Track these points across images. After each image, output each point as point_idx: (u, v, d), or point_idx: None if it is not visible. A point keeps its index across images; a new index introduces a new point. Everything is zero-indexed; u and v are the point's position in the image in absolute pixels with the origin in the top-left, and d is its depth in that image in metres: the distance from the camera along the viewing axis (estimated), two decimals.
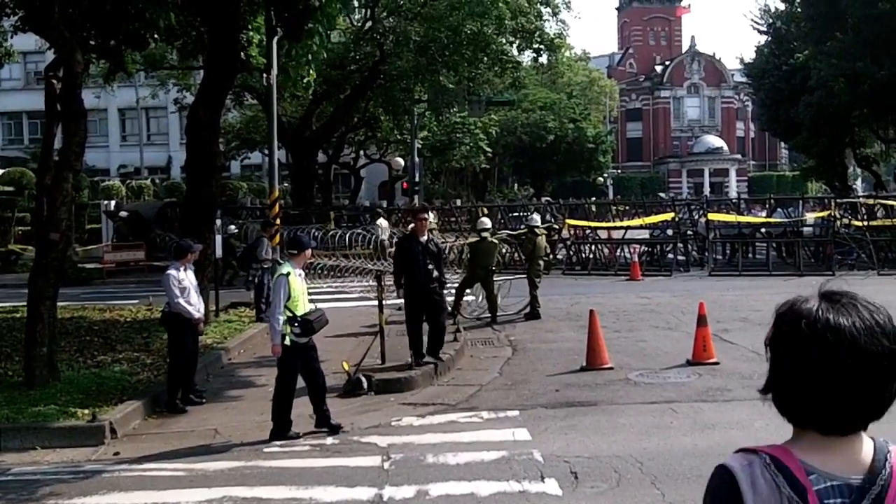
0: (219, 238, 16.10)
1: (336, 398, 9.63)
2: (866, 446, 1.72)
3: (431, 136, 43.92)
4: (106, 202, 34.88)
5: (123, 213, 31.84)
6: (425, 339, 11.27)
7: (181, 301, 9.62)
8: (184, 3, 14.04)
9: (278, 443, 8.31)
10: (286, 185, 38.34)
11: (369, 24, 28.90)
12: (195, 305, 9.80)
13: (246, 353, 13.19)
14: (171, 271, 9.80)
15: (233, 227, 25.18)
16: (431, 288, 11.04)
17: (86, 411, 8.87)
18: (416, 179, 34.27)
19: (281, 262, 10.09)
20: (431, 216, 18.72)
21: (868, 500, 1.66)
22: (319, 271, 22.16)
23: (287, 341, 8.33)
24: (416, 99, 32.02)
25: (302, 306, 8.43)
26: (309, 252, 9.19)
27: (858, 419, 1.70)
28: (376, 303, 11.44)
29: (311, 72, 14.23)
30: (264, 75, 17.85)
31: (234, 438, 8.54)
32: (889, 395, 1.69)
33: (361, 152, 45.17)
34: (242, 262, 16.62)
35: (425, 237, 11.28)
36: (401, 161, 38.64)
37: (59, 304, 11.24)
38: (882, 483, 1.67)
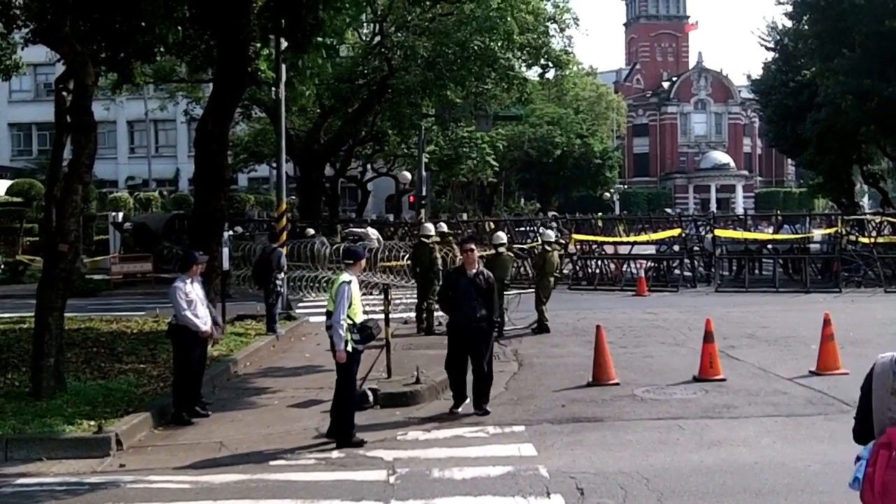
0: (226, 251, 16.11)
1: None
2: None
3: (438, 150, 43.97)
4: (114, 214, 35.00)
5: (128, 225, 31.92)
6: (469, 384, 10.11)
7: (188, 313, 9.64)
8: (193, 17, 14.14)
9: (284, 456, 8.31)
10: (293, 197, 38.43)
11: (378, 38, 29.03)
12: (202, 318, 9.81)
13: (252, 365, 13.20)
14: (178, 283, 9.81)
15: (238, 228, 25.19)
16: (476, 327, 9.79)
17: (92, 422, 8.88)
18: (423, 193, 34.25)
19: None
20: (438, 228, 18.71)
21: None
22: (324, 284, 22.22)
23: (349, 347, 8.59)
24: (423, 113, 32.09)
25: (360, 314, 8.76)
26: (364, 262, 9.70)
27: None
28: (382, 316, 11.45)
29: (311, 86, 14.32)
30: (273, 89, 17.98)
31: (240, 451, 8.54)
32: None
33: (369, 166, 45.28)
34: (258, 275, 16.54)
35: (474, 270, 10.00)
36: (408, 175, 38.65)
37: (67, 315, 11.27)
38: None
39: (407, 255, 20.56)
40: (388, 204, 53.50)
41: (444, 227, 19.70)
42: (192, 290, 9.80)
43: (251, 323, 16.53)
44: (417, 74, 27.26)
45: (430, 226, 17.98)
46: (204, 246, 13.33)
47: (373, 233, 24.56)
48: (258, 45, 14.89)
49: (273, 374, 12.54)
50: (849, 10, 32.02)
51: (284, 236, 18.92)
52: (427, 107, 31.15)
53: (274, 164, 32.23)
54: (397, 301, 18.19)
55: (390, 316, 11.63)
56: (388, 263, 22.36)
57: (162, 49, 15.14)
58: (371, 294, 19.52)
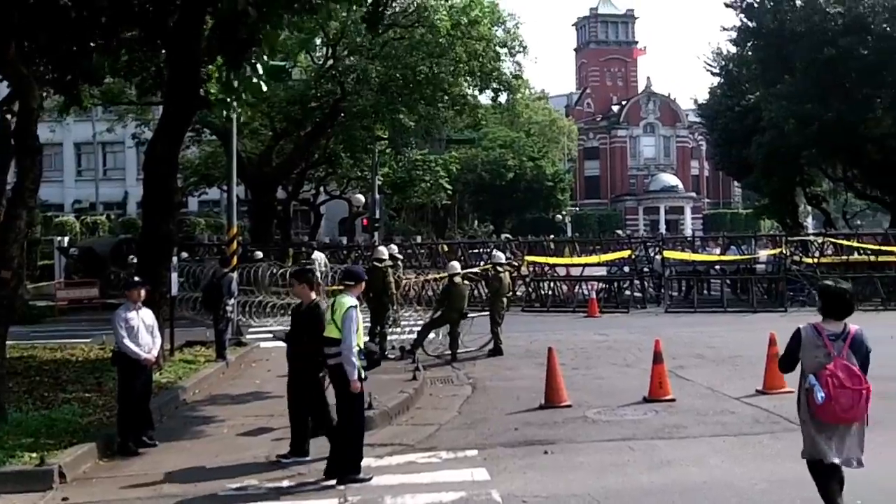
0: (175, 275, 15.88)
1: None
2: (844, 324, 6.14)
3: (392, 173, 44.05)
4: (59, 238, 34.33)
5: (74, 251, 31.29)
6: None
7: (127, 341, 9.49)
8: (143, 38, 14.00)
9: (233, 486, 8.16)
10: (245, 221, 38.13)
11: (330, 62, 29.03)
12: (144, 346, 9.64)
13: (201, 392, 12.99)
14: (120, 310, 9.68)
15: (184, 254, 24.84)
16: (294, 362, 9.11)
17: (34, 455, 8.65)
18: (377, 216, 34.29)
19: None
20: (389, 251, 18.64)
21: (842, 339, 6.06)
22: (271, 310, 22.00)
23: (364, 375, 8.22)
24: (376, 136, 32.13)
25: (362, 339, 8.38)
26: (364, 284, 9.13)
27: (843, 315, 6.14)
28: None
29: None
30: (224, 112, 17.82)
31: (188, 481, 8.38)
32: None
33: (321, 189, 45.13)
34: (208, 301, 16.27)
35: (309, 302, 9.15)
36: (361, 197, 38.64)
37: (9, 342, 11.01)
38: (846, 332, 6.10)
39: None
40: (341, 227, 53.37)
41: (394, 250, 19.66)
42: (134, 317, 9.65)
43: (200, 349, 16.28)
44: (370, 98, 27.30)
45: (383, 249, 17.92)
46: (152, 271, 13.14)
47: (319, 256, 24.30)
48: (210, 66, 14.78)
49: (222, 401, 12.35)
50: (789, 37, 32.88)
51: (235, 261, 18.72)
52: (380, 130, 31.20)
53: (225, 188, 31.95)
54: None
55: None
56: (341, 287, 22.27)
57: (110, 72, 14.96)
58: None
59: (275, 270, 23.11)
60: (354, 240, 40.07)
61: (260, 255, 24.47)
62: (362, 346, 8.28)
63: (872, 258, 25.54)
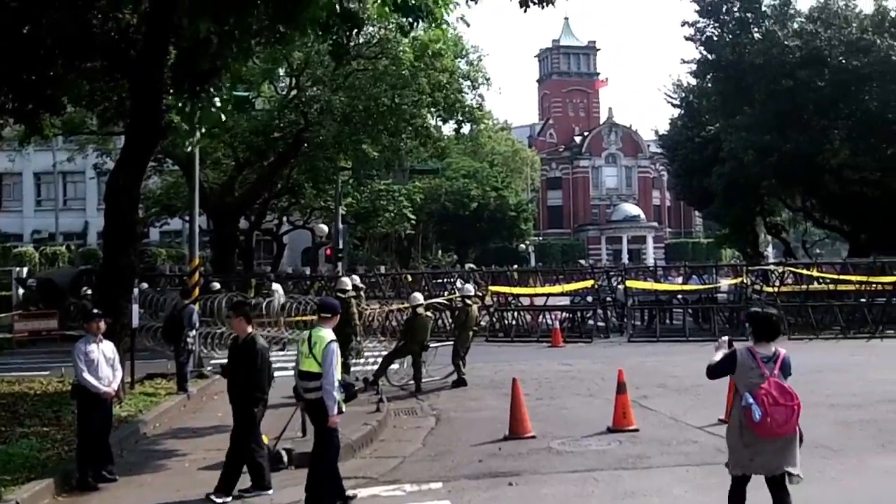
0: (136, 307, 15.69)
1: None
2: (774, 347, 6.70)
3: (356, 203, 44.02)
4: (17, 269, 33.77)
5: (32, 282, 30.78)
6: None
7: (86, 374, 9.38)
8: (106, 68, 13.92)
9: None
10: (207, 251, 37.83)
11: (294, 92, 29.07)
12: (104, 379, 9.51)
13: (162, 426, 12.81)
14: (80, 343, 9.57)
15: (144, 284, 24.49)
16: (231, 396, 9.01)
17: None
18: (340, 246, 34.24)
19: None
20: (352, 281, 18.60)
21: (773, 361, 6.63)
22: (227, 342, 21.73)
23: (344, 409, 8.32)
24: (340, 167, 32.15)
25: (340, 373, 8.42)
26: (339, 316, 9.12)
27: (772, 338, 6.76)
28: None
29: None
30: (187, 142, 17.73)
31: None
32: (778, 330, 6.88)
33: (284, 218, 44.94)
34: (169, 332, 16.08)
35: (245, 336, 8.97)
36: (324, 227, 38.54)
37: None
38: (776, 355, 6.68)
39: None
40: (304, 257, 53.11)
41: (356, 280, 19.61)
42: (94, 350, 9.53)
43: (161, 381, 16.07)
44: (333, 128, 27.35)
45: (346, 280, 17.88)
46: (112, 303, 12.97)
47: (277, 287, 24.11)
48: (173, 97, 14.75)
49: (184, 435, 12.18)
50: (748, 70, 33.62)
51: (197, 292, 18.55)
52: (343, 160, 31.24)
53: (187, 218, 31.68)
54: None
55: None
56: (303, 318, 22.11)
57: (71, 101, 14.85)
58: (276, 351, 19.17)
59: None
60: (318, 270, 39.95)
61: (217, 286, 24.23)
62: (340, 379, 8.34)
63: (831, 287, 25.98)
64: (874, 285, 25.06)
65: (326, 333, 8.30)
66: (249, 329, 9.02)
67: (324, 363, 8.11)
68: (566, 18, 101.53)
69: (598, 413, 12.64)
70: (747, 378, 6.59)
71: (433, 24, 11.56)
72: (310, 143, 28.76)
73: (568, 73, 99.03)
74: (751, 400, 6.42)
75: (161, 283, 30.72)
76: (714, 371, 6.90)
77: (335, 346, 8.21)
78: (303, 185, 35.37)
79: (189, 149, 18.29)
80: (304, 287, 29.54)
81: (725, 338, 7.25)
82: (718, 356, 6.92)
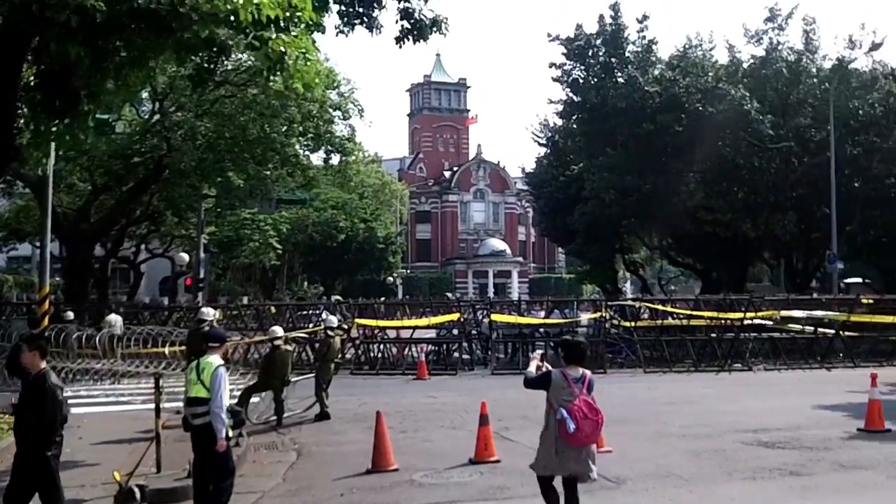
0: None
1: None
2: (581, 370, 7.77)
3: (219, 232, 43.03)
4: None
5: None
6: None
7: None
8: None
9: None
10: (58, 279, 36.01)
11: (157, 117, 28.22)
12: None
13: (4, 462, 11.98)
14: None
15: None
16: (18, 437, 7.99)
17: None
18: (202, 276, 33.28)
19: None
20: (214, 312, 18.06)
21: (581, 381, 7.68)
22: (83, 376, 20.67)
23: (232, 434, 8.36)
24: (203, 195, 31.35)
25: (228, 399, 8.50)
26: (227, 344, 9.27)
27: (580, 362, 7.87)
28: (152, 406, 10.82)
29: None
30: (39, 165, 16.91)
31: None
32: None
33: (143, 246, 43.39)
34: (13, 365, 15.05)
35: (36, 371, 7.91)
36: (185, 256, 37.41)
37: None
38: (584, 376, 7.71)
39: (181, 342, 19.59)
40: (162, 286, 51.39)
41: (211, 313, 18.98)
42: None
43: (3, 416, 15.07)
44: (196, 155, 26.64)
45: (207, 310, 17.35)
46: None
47: (115, 319, 22.98)
48: (29, 118, 14.00)
49: None
50: (611, 112, 34.97)
51: (46, 321, 17.59)
52: (207, 188, 30.48)
53: (37, 243, 30.11)
54: (168, 390, 17.27)
55: (161, 406, 11.02)
56: (159, 350, 21.25)
57: None
58: (117, 382, 18.35)
59: (89, 332, 21.74)
60: (177, 300, 38.64)
61: (71, 315, 23.02)
62: (228, 406, 8.47)
63: (684, 322, 27.10)
64: (723, 321, 26.29)
65: (214, 360, 8.51)
66: (42, 365, 8.00)
67: (212, 387, 8.27)
68: (438, 55, 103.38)
69: (461, 445, 12.66)
70: (560, 396, 7.61)
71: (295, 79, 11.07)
72: (172, 170, 27.89)
73: (439, 108, 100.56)
74: (565, 414, 7.43)
75: (6, 312, 28.98)
76: (531, 384, 7.94)
77: (223, 370, 8.40)
78: (163, 212, 34.31)
79: (42, 172, 17.46)
80: (162, 318, 28.47)
81: (538, 352, 8.46)
82: (533, 367, 8.07)
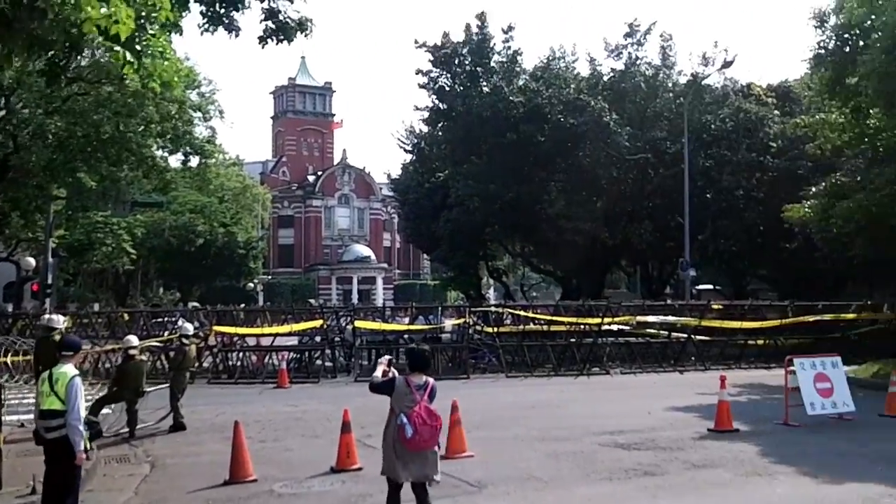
0: None
1: None
2: (425, 377, 7.96)
3: (69, 235, 41.02)
4: None
5: None
6: None
7: None
8: None
9: None
10: None
11: (3, 113, 26.60)
12: None
13: None
14: None
15: None
16: None
17: None
18: (49, 281, 31.61)
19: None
20: (64, 319, 17.15)
21: (423, 389, 7.87)
22: None
23: (91, 446, 8.01)
24: (52, 196, 29.79)
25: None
26: (82, 353, 8.66)
27: (424, 370, 8.08)
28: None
29: None
30: None
31: None
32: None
33: None
34: None
35: None
36: (31, 261, 35.46)
37: None
38: (426, 384, 7.91)
39: (26, 351, 18.53)
40: (6, 292, 48.42)
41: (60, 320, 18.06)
42: None
43: None
44: (45, 154, 25.26)
45: (58, 317, 16.44)
46: None
47: None
48: None
49: None
50: (477, 121, 35.50)
51: None
52: (56, 189, 28.97)
53: None
54: (13, 401, 16.29)
55: (3, 419, 10.34)
56: (3, 359, 20.03)
57: None
58: None
59: None
60: (22, 307, 36.54)
61: None
62: (85, 417, 8.19)
63: (545, 328, 27.75)
64: (582, 326, 27.08)
65: (69, 369, 8.11)
66: None
67: (68, 399, 7.89)
68: (303, 57, 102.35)
69: (322, 453, 12.47)
70: (402, 402, 7.82)
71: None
72: (18, 169, 26.37)
73: (303, 112, 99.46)
74: (405, 420, 7.66)
75: None
76: (376, 389, 8.10)
77: (79, 381, 8.02)
78: (8, 213, 32.37)
79: None
80: (6, 326, 26.85)
81: (386, 357, 8.53)
82: (379, 372, 8.15)
